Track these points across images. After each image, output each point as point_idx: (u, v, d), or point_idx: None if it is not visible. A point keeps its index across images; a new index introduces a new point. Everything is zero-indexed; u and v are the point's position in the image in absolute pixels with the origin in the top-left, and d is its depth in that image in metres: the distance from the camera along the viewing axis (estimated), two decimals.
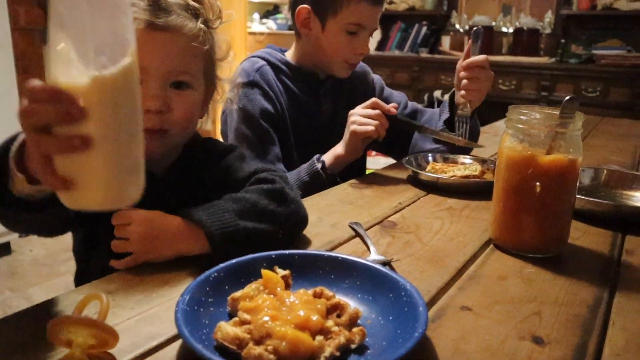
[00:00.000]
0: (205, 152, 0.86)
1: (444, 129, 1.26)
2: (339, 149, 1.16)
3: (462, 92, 1.20)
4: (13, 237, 2.78)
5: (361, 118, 1.12)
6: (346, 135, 1.14)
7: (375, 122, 1.10)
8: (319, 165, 1.11)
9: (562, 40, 3.67)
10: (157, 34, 0.74)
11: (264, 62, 1.25)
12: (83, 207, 0.46)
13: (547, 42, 3.79)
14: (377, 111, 1.12)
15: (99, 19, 0.43)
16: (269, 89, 1.21)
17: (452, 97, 1.29)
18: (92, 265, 0.83)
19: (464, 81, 1.19)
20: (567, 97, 0.73)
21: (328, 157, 1.15)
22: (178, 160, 0.84)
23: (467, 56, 1.20)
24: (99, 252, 0.81)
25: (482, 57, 1.18)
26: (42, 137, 0.43)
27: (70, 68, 0.43)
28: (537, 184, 0.73)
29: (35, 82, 0.43)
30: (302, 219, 0.77)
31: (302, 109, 1.25)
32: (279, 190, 0.75)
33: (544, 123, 0.74)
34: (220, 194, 0.75)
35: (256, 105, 1.18)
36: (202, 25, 0.78)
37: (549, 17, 3.79)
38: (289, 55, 1.31)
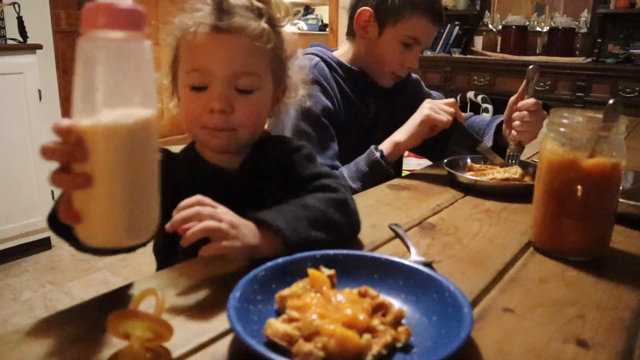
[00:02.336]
0: (276, 149, 0.88)
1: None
2: (397, 136, 1.16)
3: (513, 132, 1.18)
4: (51, 234, 2.87)
5: (437, 107, 1.12)
6: (414, 121, 1.14)
7: (449, 115, 1.12)
8: (378, 154, 1.12)
9: (599, 40, 3.59)
10: (220, 36, 0.77)
11: (318, 59, 1.27)
12: (91, 243, 0.49)
13: (582, 42, 3.71)
14: (452, 109, 1.13)
15: (122, 72, 0.46)
16: (327, 86, 1.23)
17: (498, 126, 1.28)
18: (172, 264, 0.86)
19: (516, 122, 1.16)
20: (612, 101, 0.72)
21: (386, 145, 1.16)
22: (249, 158, 0.86)
23: (522, 94, 1.17)
24: (178, 252, 0.84)
25: (532, 101, 1.15)
26: (57, 172, 0.48)
27: (86, 112, 0.46)
28: (579, 187, 0.73)
29: (59, 121, 0.47)
30: (359, 229, 0.80)
31: (352, 108, 1.27)
32: (343, 201, 0.76)
33: (587, 126, 0.74)
34: (284, 191, 0.77)
35: (318, 103, 1.19)
36: (265, 25, 0.79)
37: (584, 16, 3.72)
38: (339, 55, 1.33)
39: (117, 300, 0.62)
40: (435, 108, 1.13)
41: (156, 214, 0.51)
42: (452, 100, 1.16)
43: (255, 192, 0.85)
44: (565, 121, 0.74)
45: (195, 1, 0.80)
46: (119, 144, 0.46)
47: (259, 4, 0.80)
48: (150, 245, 0.86)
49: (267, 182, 0.85)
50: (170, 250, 0.86)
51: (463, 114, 1.43)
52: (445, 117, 1.12)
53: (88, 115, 0.46)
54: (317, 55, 1.28)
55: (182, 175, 0.84)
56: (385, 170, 1.11)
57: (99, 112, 0.45)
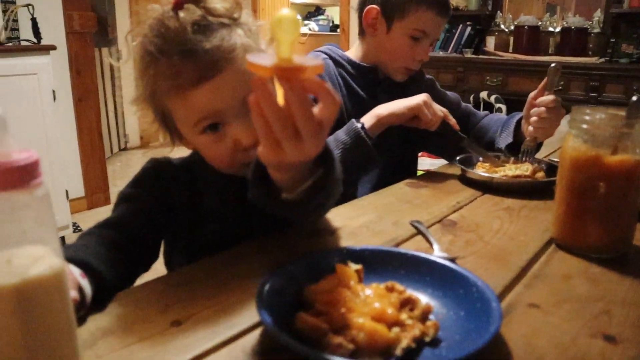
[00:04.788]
0: None
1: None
2: (380, 109, 1.13)
3: (530, 127, 1.18)
4: (67, 233, 2.90)
5: (430, 106, 1.12)
6: (403, 102, 1.13)
7: (433, 120, 1.11)
8: (359, 125, 1.09)
9: (612, 40, 3.57)
10: (212, 82, 0.70)
11: (325, 56, 1.29)
12: None
13: (595, 42, 3.69)
14: (440, 115, 1.13)
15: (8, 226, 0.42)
16: (328, 80, 1.23)
17: (517, 123, 1.28)
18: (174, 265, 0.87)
19: (533, 118, 1.16)
20: (635, 97, 0.72)
21: (366, 117, 1.13)
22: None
23: (542, 90, 1.17)
24: (180, 255, 0.85)
25: (551, 97, 1.14)
26: None
27: None
28: (602, 184, 0.73)
29: None
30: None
31: (361, 105, 1.27)
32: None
33: (610, 123, 0.74)
34: None
35: None
36: (244, 39, 0.73)
37: (597, 15, 3.70)
38: (350, 54, 1.34)
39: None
40: (429, 104, 1.12)
41: (72, 355, 0.46)
42: (446, 112, 1.16)
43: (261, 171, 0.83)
44: (588, 118, 0.74)
45: (145, 56, 0.72)
46: (5, 303, 0.41)
47: (210, 17, 0.72)
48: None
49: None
50: (172, 254, 0.87)
51: (479, 112, 1.44)
52: (429, 117, 1.10)
53: None
54: (325, 53, 1.31)
55: (183, 182, 0.82)
56: (364, 142, 1.07)
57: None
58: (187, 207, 0.81)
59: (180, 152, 0.86)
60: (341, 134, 1.10)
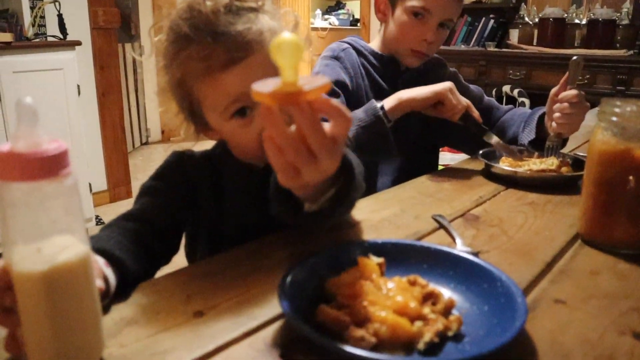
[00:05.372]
0: None
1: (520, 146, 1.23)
2: (402, 93, 1.12)
3: (554, 124, 1.16)
4: (90, 225, 2.95)
5: (454, 94, 1.11)
6: (427, 88, 1.11)
7: (457, 108, 1.10)
8: (379, 105, 1.08)
9: None
10: (242, 64, 0.71)
11: (348, 46, 1.29)
12: None
13: (624, 34, 3.60)
14: (465, 105, 1.11)
15: (42, 214, 0.43)
16: (350, 68, 1.24)
17: (540, 118, 1.25)
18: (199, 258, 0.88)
19: (556, 114, 1.13)
20: None
21: (388, 99, 1.12)
22: None
23: (564, 85, 1.14)
24: (202, 248, 0.86)
25: (573, 92, 1.11)
26: None
27: (13, 256, 0.44)
28: (632, 178, 0.71)
29: None
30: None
31: (382, 96, 1.26)
32: None
33: None
34: None
35: (334, 73, 1.20)
36: (271, 23, 0.74)
37: (627, 7, 3.61)
38: (373, 45, 1.33)
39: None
40: (454, 91, 1.10)
41: (97, 342, 0.48)
42: (469, 103, 1.14)
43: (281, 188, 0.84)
44: (617, 110, 0.73)
45: (174, 41, 0.73)
46: (35, 289, 0.43)
47: (239, 2, 0.73)
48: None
49: None
50: (196, 249, 0.87)
51: (502, 106, 1.41)
52: (454, 102, 1.08)
53: (8, 256, 0.44)
54: (348, 43, 1.31)
55: (206, 174, 0.82)
56: (382, 122, 1.06)
57: (19, 255, 0.43)
58: (210, 200, 0.82)
59: (201, 146, 0.86)
60: (359, 111, 1.10)
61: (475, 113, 1.13)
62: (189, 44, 0.71)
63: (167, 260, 0.76)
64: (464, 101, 1.11)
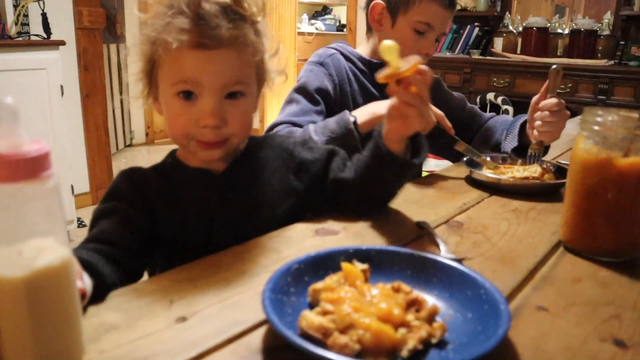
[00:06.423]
0: (265, 148, 0.89)
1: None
2: (377, 107, 1.10)
3: (535, 131, 1.16)
4: (71, 227, 2.91)
5: (427, 105, 1.10)
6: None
7: (425, 120, 1.10)
8: (352, 119, 1.07)
9: (622, 42, 3.55)
10: (207, 53, 0.74)
11: (336, 52, 1.29)
12: None
13: (605, 44, 3.67)
14: (435, 121, 1.10)
15: (22, 217, 0.42)
16: (335, 74, 1.24)
17: (522, 126, 1.26)
18: None
19: (538, 122, 1.15)
20: None
21: (361, 112, 1.11)
22: (237, 160, 0.85)
23: (544, 93, 1.15)
24: (162, 261, 0.84)
25: (554, 101, 1.13)
26: None
27: None
28: (613, 187, 0.72)
29: None
30: None
31: (371, 100, 1.27)
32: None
33: (622, 125, 0.73)
34: (283, 179, 0.84)
35: (316, 80, 1.21)
36: (252, 36, 0.77)
37: (607, 18, 3.68)
38: (360, 51, 1.34)
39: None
40: (427, 106, 1.10)
41: (78, 347, 0.48)
42: (442, 114, 1.14)
43: (243, 191, 0.83)
44: (599, 119, 0.73)
45: (167, 7, 0.76)
46: (15, 293, 0.42)
47: (238, 8, 0.77)
48: None
49: (254, 181, 0.85)
50: None
51: (485, 113, 1.43)
52: (419, 118, 1.08)
53: None
54: (335, 48, 1.31)
55: (159, 187, 0.81)
56: (352, 135, 1.06)
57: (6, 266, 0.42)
58: (167, 212, 0.80)
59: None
60: (332, 121, 1.09)
61: (447, 125, 1.13)
62: (176, 15, 0.74)
63: (140, 274, 0.76)
64: (434, 116, 1.11)
